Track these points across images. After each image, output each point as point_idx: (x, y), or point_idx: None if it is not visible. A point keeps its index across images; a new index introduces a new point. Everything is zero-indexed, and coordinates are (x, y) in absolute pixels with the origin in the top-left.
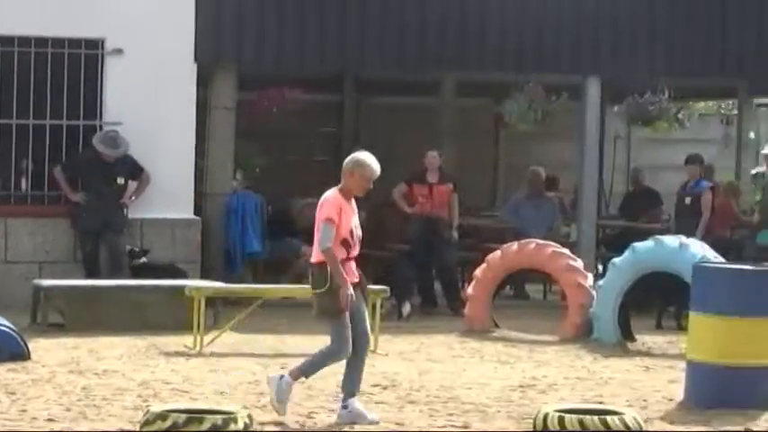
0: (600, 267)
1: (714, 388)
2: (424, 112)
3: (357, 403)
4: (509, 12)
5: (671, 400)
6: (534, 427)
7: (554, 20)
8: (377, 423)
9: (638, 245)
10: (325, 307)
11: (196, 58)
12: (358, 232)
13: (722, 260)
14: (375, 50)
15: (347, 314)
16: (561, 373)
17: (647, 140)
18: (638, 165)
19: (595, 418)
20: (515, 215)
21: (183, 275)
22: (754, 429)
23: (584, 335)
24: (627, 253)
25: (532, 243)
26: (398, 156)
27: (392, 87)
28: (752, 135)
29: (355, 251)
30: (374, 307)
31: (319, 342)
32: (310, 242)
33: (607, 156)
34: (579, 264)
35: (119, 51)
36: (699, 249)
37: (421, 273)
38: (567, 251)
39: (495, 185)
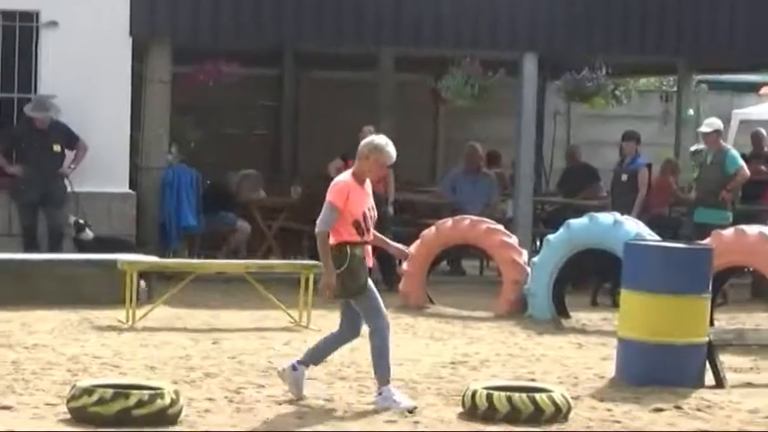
0: (538, 244)
1: (645, 365)
2: (364, 86)
3: (307, 373)
4: None
5: (602, 377)
6: (463, 404)
7: None
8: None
9: (573, 222)
10: (345, 287)
11: (131, 32)
12: (372, 215)
13: (657, 237)
14: (312, 24)
15: (370, 287)
16: (493, 350)
17: (587, 117)
18: (578, 141)
19: (524, 395)
20: (452, 191)
21: (134, 250)
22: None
23: (518, 311)
24: (561, 230)
25: (467, 219)
26: (338, 130)
27: (332, 61)
28: (691, 112)
29: (370, 235)
30: (306, 282)
31: (251, 317)
32: (246, 217)
33: (547, 132)
34: (514, 240)
35: (53, 24)
36: (633, 226)
37: None
38: (501, 227)
39: (434, 161)
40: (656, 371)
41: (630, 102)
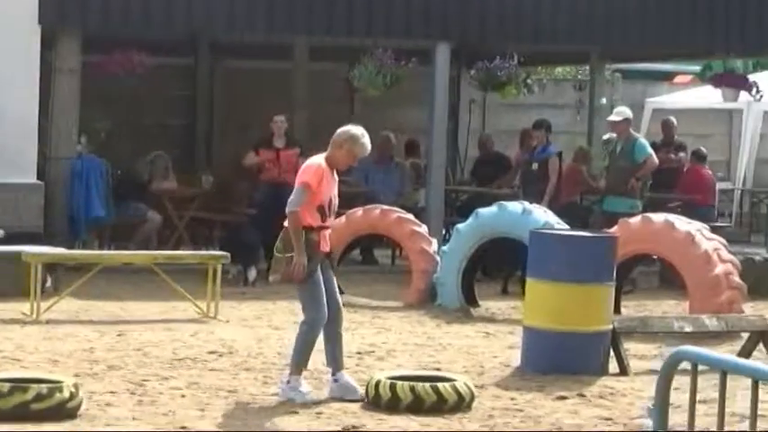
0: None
1: (549, 354)
2: (279, 76)
3: (346, 376)
4: None
5: (508, 366)
6: (366, 394)
7: None
8: (363, 400)
9: (482, 210)
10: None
11: (40, 20)
12: (335, 202)
13: (566, 226)
14: (223, 13)
15: (318, 276)
16: (401, 340)
17: (503, 105)
18: (494, 130)
19: (427, 384)
20: (365, 180)
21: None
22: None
23: (428, 301)
24: (470, 219)
25: (377, 209)
26: (253, 120)
27: (247, 51)
28: (603, 101)
29: (330, 220)
30: (214, 272)
31: (159, 309)
32: (157, 207)
33: (463, 121)
34: (423, 229)
35: None
36: (542, 215)
37: (267, 238)
38: (411, 217)
39: None
40: (561, 359)
41: (545, 91)
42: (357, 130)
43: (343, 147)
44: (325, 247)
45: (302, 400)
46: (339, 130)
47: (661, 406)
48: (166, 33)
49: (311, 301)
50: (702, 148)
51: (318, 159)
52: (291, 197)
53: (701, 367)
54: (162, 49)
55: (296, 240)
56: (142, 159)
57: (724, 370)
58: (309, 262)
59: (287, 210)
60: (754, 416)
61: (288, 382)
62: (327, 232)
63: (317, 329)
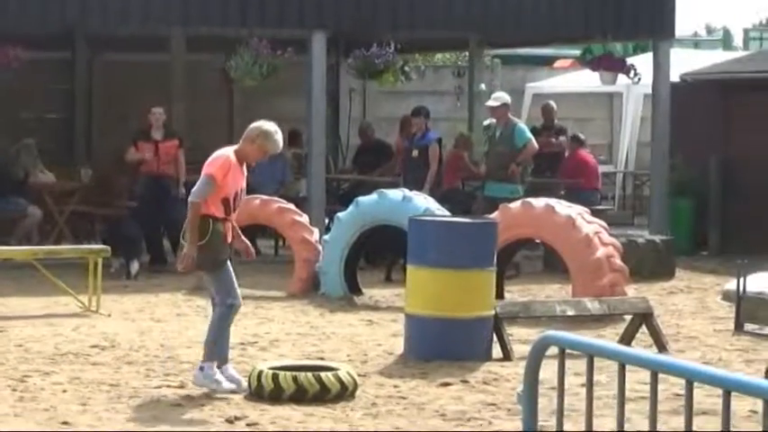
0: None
1: (431, 341)
2: (158, 68)
3: (231, 369)
4: None
5: (391, 353)
6: (249, 385)
7: None
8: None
9: (362, 199)
10: (201, 261)
11: None
12: (242, 196)
13: (447, 213)
14: (98, 6)
15: (226, 265)
16: (284, 330)
17: (383, 93)
18: (375, 117)
19: (309, 374)
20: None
21: None
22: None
23: (311, 290)
24: (351, 207)
25: (257, 199)
26: (132, 113)
27: (125, 43)
28: (483, 86)
29: (235, 214)
30: (95, 266)
31: (40, 304)
32: (38, 203)
33: (343, 109)
34: (305, 219)
35: None
36: (422, 202)
37: (149, 230)
38: (292, 206)
39: (230, 141)
40: (444, 346)
41: (424, 77)
42: (270, 126)
43: (255, 141)
44: (230, 238)
45: (219, 389)
46: (252, 125)
47: (530, 391)
48: (42, 27)
49: (223, 286)
50: (580, 134)
51: (227, 151)
52: (195, 187)
53: None
54: (38, 43)
55: (191, 230)
56: (13, 148)
57: (590, 354)
58: (216, 251)
59: (189, 200)
60: (621, 398)
61: (201, 368)
62: (230, 224)
63: (230, 314)
